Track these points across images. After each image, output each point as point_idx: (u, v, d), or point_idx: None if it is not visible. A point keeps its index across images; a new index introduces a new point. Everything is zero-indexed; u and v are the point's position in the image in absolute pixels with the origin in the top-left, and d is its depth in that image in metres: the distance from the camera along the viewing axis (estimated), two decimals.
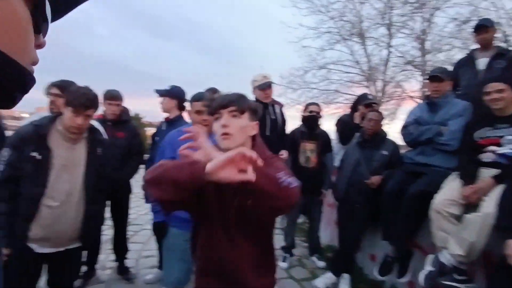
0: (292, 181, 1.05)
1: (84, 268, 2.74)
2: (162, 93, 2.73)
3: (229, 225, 1.16)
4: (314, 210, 3.42)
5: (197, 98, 1.96)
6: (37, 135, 1.63)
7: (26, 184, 1.59)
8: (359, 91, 9.20)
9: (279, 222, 3.91)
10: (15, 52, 0.35)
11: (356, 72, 9.93)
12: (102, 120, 2.67)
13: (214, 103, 1.18)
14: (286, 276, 3.08)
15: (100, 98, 1.91)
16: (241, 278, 1.18)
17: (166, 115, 2.77)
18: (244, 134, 1.16)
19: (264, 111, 2.75)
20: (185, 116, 2.70)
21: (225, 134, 1.13)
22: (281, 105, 3.33)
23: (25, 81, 0.39)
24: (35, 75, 0.41)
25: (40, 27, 0.40)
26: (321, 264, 3.30)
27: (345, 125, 3.42)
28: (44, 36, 0.42)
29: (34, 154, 1.60)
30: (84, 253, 2.64)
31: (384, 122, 2.93)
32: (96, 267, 2.83)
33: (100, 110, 2.64)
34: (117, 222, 2.90)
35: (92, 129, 1.84)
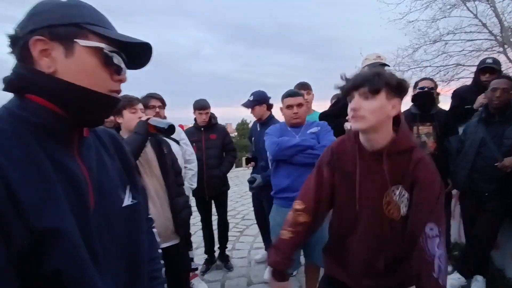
0: (443, 264, 1.01)
1: (204, 256, 3.16)
2: (249, 105, 2.92)
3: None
4: None
5: (287, 95, 2.14)
6: None
7: None
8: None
9: None
10: (93, 86, 0.62)
11: (485, 38, 8.20)
12: (195, 127, 3.09)
13: (347, 84, 1.11)
14: None
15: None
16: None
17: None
18: (379, 116, 1.06)
19: None
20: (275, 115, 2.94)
21: (354, 117, 1.07)
22: None
23: (106, 102, 0.66)
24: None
25: (116, 71, 0.66)
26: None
27: (461, 99, 2.84)
28: (122, 74, 0.68)
29: None
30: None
31: None
32: (215, 255, 3.21)
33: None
34: (219, 213, 3.21)
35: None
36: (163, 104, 2.59)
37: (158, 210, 1.80)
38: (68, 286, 0.56)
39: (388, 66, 2.52)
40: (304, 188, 1.30)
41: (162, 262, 0.91)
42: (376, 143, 1.11)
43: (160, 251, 0.93)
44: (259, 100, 2.90)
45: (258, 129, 2.95)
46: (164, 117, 2.61)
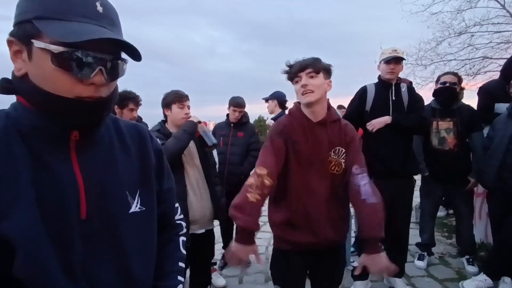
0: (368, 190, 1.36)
1: (222, 251, 3.18)
2: (266, 98, 3.27)
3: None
4: (459, 204, 2.82)
5: None
6: None
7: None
8: None
9: (414, 215, 3.48)
10: (57, 91, 0.53)
11: None
12: (226, 122, 3.17)
13: (293, 69, 1.42)
14: (424, 275, 2.73)
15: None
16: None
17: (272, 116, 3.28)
18: (322, 90, 1.40)
19: (384, 92, 2.44)
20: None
21: (306, 91, 1.37)
22: (408, 82, 2.87)
23: (77, 107, 0.55)
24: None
25: (80, 75, 0.53)
26: (472, 269, 2.68)
27: (489, 95, 2.70)
28: (92, 77, 0.55)
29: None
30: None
31: None
32: None
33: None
34: None
35: None
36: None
37: (198, 198, 1.96)
38: None
39: (405, 59, 2.43)
40: (263, 155, 1.43)
41: (181, 279, 0.78)
42: (318, 114, 1.44)
43: (183, 265, 0.81)
44: (273, 95, 3.18)
45: None
46: None
